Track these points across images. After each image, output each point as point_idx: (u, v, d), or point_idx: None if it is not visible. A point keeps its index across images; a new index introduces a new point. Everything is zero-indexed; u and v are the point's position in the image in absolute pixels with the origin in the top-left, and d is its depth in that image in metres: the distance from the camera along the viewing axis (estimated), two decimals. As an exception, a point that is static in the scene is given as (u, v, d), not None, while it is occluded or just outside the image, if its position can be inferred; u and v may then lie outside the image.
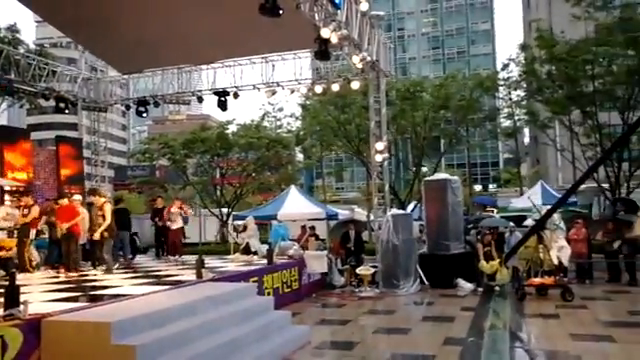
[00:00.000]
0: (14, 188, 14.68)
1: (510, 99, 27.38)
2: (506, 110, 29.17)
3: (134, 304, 6.79)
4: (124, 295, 7.45)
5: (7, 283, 5.89)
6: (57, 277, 10.17)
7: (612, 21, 19.40)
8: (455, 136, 28.34)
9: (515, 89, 25.54)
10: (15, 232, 11.40)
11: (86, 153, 20.51)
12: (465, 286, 13.26)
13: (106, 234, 10.63)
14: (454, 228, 14.45)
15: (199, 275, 9.23)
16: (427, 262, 13.90)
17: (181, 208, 14.19)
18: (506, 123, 31.53)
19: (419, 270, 13.62)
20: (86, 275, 10.49)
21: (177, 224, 13.89)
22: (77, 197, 12.07)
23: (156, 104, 19.07)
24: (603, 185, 19.88)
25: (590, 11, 19.72)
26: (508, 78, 25.95)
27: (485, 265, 13.03)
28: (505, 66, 26.37)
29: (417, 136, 26.33)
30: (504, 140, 38.90)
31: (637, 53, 18.20)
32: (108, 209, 10.73)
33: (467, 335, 8.44)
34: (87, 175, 20.06)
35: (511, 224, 16.09)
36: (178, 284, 8.66)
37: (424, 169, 28.83)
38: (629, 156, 19.95)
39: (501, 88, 27.20)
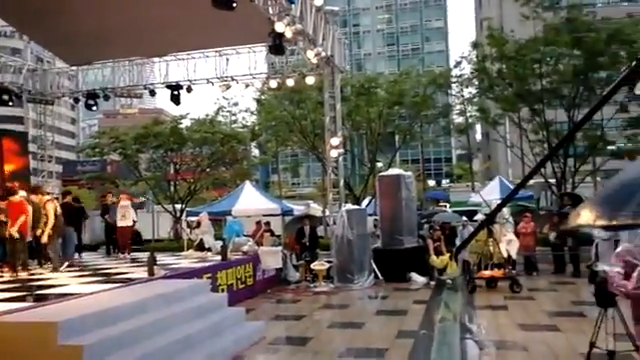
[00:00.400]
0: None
1: (462, 96, 27.92)
2: (458, 107, 29.75)
3: (82, 303, 6.61)
4: (72, 294, 7.23)
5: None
6: (1, 277, 9.78)
7: (559, 21, 20.08)
8: (409, 132, 28.69)
9: (467, 86, 26.05)
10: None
11: (32, 147, 19.82)
12: (418, 280, 13.49)
13: (51, 232, 10.29)
14: (407, 223, 14.66)
15: (151, 272, 9.05)
16: (381, 256, 14.06)
17: (131, 200, 13.84)
18: (459, 120, 32.15)
19: (373, 264, 13.77)
20: (32, 274, 10.13)
21: (127, 221, 13.46)
22: (22, 193, 11.59)
23: (106, 97, 18.62)
24: (550, 180, 20.57)
25: (538, 11, 20.34)
26: (460, 75, 26.44)
27: (435, 260, 13.29)
28: (458, 64, 26.85)
29: (372, 132, 26.53)
30: (457, 136, 39.79)
31: (582, 53, 18.90)
32: (50, 208, 10.37)
33: (419, 328, 8.58)
34: (33, 170, 19.41)
35: (463, 218, 16.45)
36: (129, 282, 8.48)
37: (379, 164, 29.12)
38: (574, 152, 20.70)
39: (454, 85, 27.70)
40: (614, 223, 3.40)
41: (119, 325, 6.02)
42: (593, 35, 18.59)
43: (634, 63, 7.22)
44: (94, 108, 18.97)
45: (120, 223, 13.43)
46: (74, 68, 18.56)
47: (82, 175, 36.51)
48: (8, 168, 17.18)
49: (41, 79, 18.75)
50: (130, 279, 8.90)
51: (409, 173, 16.53)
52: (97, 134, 34.08)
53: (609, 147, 22.01)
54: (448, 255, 13.14)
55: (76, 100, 19.19)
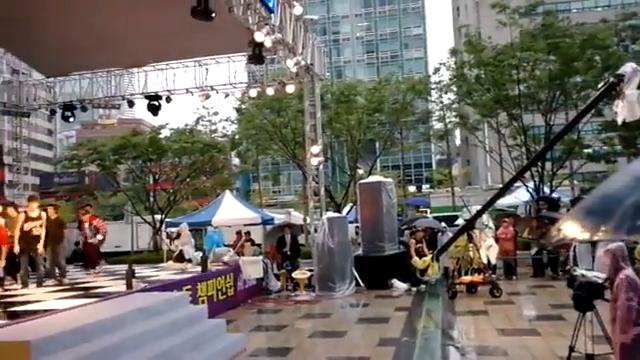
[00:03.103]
0: None
1: (441, 102, 28.13)
2: (438, 113, 29.93)
3: (57, 320, 6.48)
4: (47, 310, 7.09)
5: None
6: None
7: (535, 27, 20.39)
8: (389, 138, 28.87)
9: (446, 92, 26.28)
10: None
11: (7, 159, 19.50)
12: (399, 286, 13.52)
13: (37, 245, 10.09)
14: (389, 229, 14.72)
15: (129, 286, 8.93)
16: (362, 264, 14.06)
17: (91, 223, 13.03)
18: (438, 125, 32.39)
19: (354, 272, 13.75)
20: (7, 290, 9.93)
21: (93, 239, 12.95)
22: (-3, 207, 11.40)
23: (84, 109, 18.38)
24: (528, 184, 20.80)
25: (515, 17, 20.62)
26: (439, 82, 26.66)
27: (418, 261, 13.35)
28: (436, 70, 27.10)
29: (352, 139, 26.62)
30: (436, 142, 39.99)
31: (558, 58, 19.20)
32: (44, 218, 10.23)
33: (401, 335, 8.60)
34: (9, 182, 19.07)
35: (443, 224, 16.54)
36: (106, 296, 8.34)
37: (360, 171, 29.17)
38: (551, 156, 20.97)
39: (433, 91, 27.91)
40: (595, 238, 3.43)
41: (95, 342, 5.89)
42: (568, 41, 18.92)
43: (612, 79, 7.37)
44: (71, 119, 18.77)
45: (87, 240, 13.01)
46: (51, 79, 18.34)
47: (59, 187, 36.02)
48: (-17, 181, 16.92)
49: (17, 91, 18.49)
50: (108, 293, 8.76)
51: (390, 180, 16.60)
52: (74, 146, 33.70)
53: (585, 151, 22.33)
54: (430, 256, 13.20)
55: (53, 112, 18.94)
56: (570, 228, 3.57)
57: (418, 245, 13.72)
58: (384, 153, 33.55)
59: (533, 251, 14.82)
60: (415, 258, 13.43)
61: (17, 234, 9.94)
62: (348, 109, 24.90)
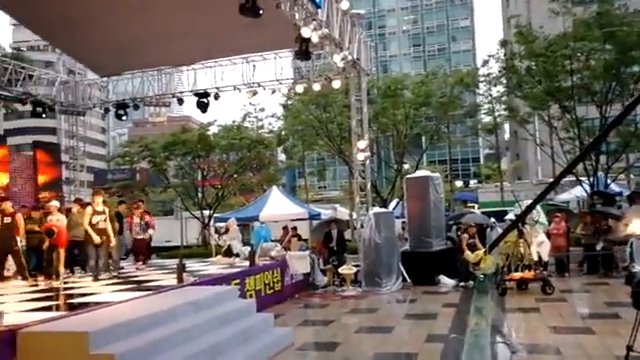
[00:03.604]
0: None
1: (490, 95, 27.59)
2: (486, 106, 29.37)
3: (113, 312, 6.71)
4: (103, 303, 7.35)
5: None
6: (35, 286, 10.02)
7: (589, 16, 19.66)
8: (436, 133, 28.46)
9: (495, 85, 25.76)
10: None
11: (65, 157, 20.29)
12: (447, 282, 13.36)
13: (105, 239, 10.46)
14: (436, 225, 14.55)
15: (180, 279, 9.15)
16: (409, 259, 13.95)
17: (142, 218, 13.25)
18: (486, 119, 31.77)
19: (401, 268, 13.67)
20: (66, 282, 10.35)
21: (140, 235, 13.16)
22: (54, 203, 11.88)
23: (136, 107, 18.91)
24: (581, 178, 20.15)
25: (568, 6, 19.97)
26: (488, 74, 26.13)
27: (469, 255, 13.14)
28: (485, 62, 26.55)
29: (399, 134, 26.40)
30: (484, 136, 39.19)
31: (614, 47, 18.47)
32: (107, 212, 10.61)
33: (449, 332, 8.50)
34: (66, 180, 19.83)
35: (492, 219, 16.22)
36: (159, 289, 8.58)
37: (406, 166, 28.91)
38: (607, 149, 20.23)
39: (481, 84, 27.40)
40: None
41: (149, 333, 6.08)
42: (625, 29, 18.13)
43: None
44: (124, 118, 19.33)
45: (135, 236, 13.24)
46: (104, 79, 18.96)
47: (113, 183, 37.18)
48: (42, 178, 17.67)
49: (73, 91, 19.19)
50: (160, 286, 9.00)
51: (437, 174, 16.40)
52: (127, 143, 34.71)
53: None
54: (483, 250, 12.98)
55: (106, 110, 19.56)
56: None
57: (470, 240, 13.52)
58: (430, 148, 33.18)
59: (599, 246, 14.15)
60: (467, 252, 13.24)
61: (88, 228, 10.30)
62: (395, 103, 24.69)
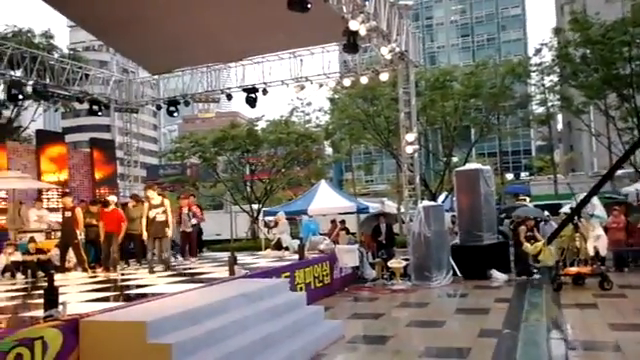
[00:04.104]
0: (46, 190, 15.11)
1: (543, 85, 26.82)
2: (539, 96, 28.55)
3: (168, 303, 6.89)
4: (159, 294, 7.57)
5: (46, 284, 6.03)
6: (94, 277, 10.40)
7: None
8: (486, 125, 27.89)
9: (548, 74, 25.07)
10: (52, 234, 11.76)
11: (119, 154, 20.93)
12: (499, 277, 13.11)
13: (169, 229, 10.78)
14: (487, 218, 14.28)
15: (231, 272, 9.32)
16: (460, 253, 13.76)
17: (190, 210, 13.51)
18: (539, 110, 30.90)
19: (452, 262, 13.49)
20: (123, 274, 10.71)
21: (188, 227, 13.35)
22: (112, 198, 12.29)
23: (186, 103, 19.31)
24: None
25: (626, -9, 19.19)
26: (541, 63, 25.46)
27: (529, 246, 12.82)
28: (537, 51, 25.87)
29: (447, 126, 26.04)
30: (536, 127, 38.15)
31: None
32: (168, 204, 10.89)
33: (503, 327, 8.33)
34: (120, 175, 20.46)
35: (546, 213, 15.79)
36: (211, 281, 8.76)
37: (454, 159, 28.48)
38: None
39: (533, 74, 26.67)
40: None
41: (204, 324, 6.22)
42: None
43: None
44: (175, 114, 19.79)
45: (184, 229, 13.41)
46: (156, 77, 19.45)
47: (165, 178, 38.14)
48: (99, 174, 18.30)
49: (126, 89, 19.76)
50: (212, 279, 9.19)
51: (487, 167, 16.07)
52: (178, 139, 35.53)
53: None
54: (542, 242, 12.65)
55: (158, 107, 20.06)
56: None
57: (529, 233, 13.22)
58: (480, 140, 32.55)
59: None
60: (526, 244, 12.92)
61: (144, 222, 10.64)
62: (443, 95, 24.35)
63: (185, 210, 13.39)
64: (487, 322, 8.73)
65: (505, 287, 12.32)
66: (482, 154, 54.65)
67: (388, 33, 13.16)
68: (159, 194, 11.18)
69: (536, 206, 19.65)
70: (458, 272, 13.43)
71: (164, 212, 10.63)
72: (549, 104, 28.39)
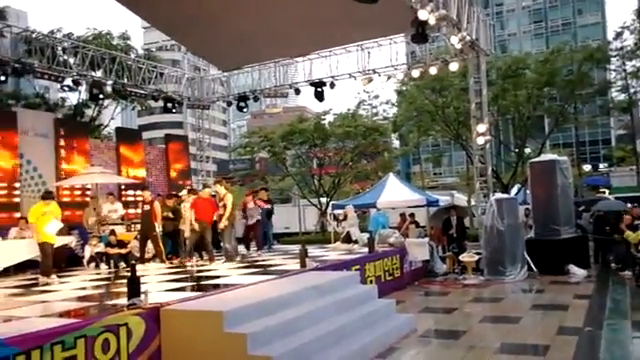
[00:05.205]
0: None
1: (624, 70, 25.40)
2: (619, 83, 27.08)
3: (244, 293, 7.05)
4: (233, 285, 7.77)
5: (129, 274, 6.33)
6: (171, 268, 10.81)
7: None
8: (561, 114, 26.73)
9: (630, 59, 23.68)
10: (132, 226, 12.32)
11: (191, 149, 21.61)
12: (578, 272, 12.56)
13: (227, 223, 11.20)
14: (564, 211, 13.71)
15: (303, 264, 9.42)
16: (535, 248, 13.27)
17: (255, 203, 13.69)
18: (619, 97, 29.26)
19: (526, 256, 13.05)
20: (199, 265, 11.07)
21: (253, 220, 13.55)
22: (184, 192, 12.73)
23: (255, 99, 19.66)
24: None
25: None
26: (622, 48, 24.12)
27: (631, 234, 12.19)
28: (618, 35, 24.52)
29: (520, 116, 25.17)
30: (617, 115, 36.16)
31: None
32: (229, 199, 11.26)
33: (584, 324, 7.98)
34: (193, 170, 21.13)
35: (629, 206, 14.97)
36: (283, 274, 8.89)
37: (527, 150, 27.47)
38: None
39: (614, 59, 25.30)
40: None
41: (277, 314, 6.33)
42: None
43: None
44: (244, 110, 20.18)
45: (249, 222, 13.69)
46: (226, 74, 19.89)
47: (235, 173, 39.08)
48: (174, 169, 19.03)
49: (198, 86, 20.34)
50: (284, 271, 9.33)
51: (564, 158, 15.43)
52: (247, 134, 36.29)
53: None
54: None
55: (229, 103, 20.52)
56: None
57: (636, 222, 12.63)
58: (555, 130, 31.28)
59: None
60: (628, 232, 12.27)
61: (229, 209, 11.17)
62: (515, 84, 23.53)
63: (250, 204, 13.64)
64: (566, 319, 8.39)
65: (584, 283, 11.80)
66: (557, 145, 52.40)
67: (458, 21, 12.83)
68: (226, 189, 11.71)
69: (617, 198, 18.69)
70: (533, 267, 12.98)
71: (224, 206, 11.12)
72: (631, 90, 26.84)
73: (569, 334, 7.41)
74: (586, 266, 12.93)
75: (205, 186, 13.23)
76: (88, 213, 13.18)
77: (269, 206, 14.26)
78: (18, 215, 13.03)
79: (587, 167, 56.60)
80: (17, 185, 14.00)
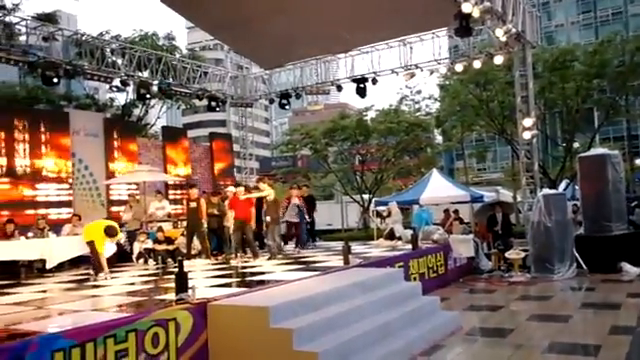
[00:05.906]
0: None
1: (679, 60, 24.24)
2: (677, 73, 25.87)
3: (288, 289, 7.12)
4: (278, 281, 7.86)
5: (177, 270, 6.48)
6: (217, 264, 11.01)
7: None
8: (612, 107, 25.80)
9: (689, 47, 22.61)
10: (178, 223, 12.61)
11: (235, 147, 21.92)
12: (631, 270, 12.14)
13: (269, 220, 11.44)
14: (616, 207, 13.27)
15: (346, 261, 9.44)
16: (585, 245, 12.91)
17: (299, 201, 13.59)
18: (676, 88, 28.00)
19: (576, 253, 12.70)
20: (245, 262, 11.24)
21: (294, 218, 13.48)
22: (231, 189, 12.93)
23: (297, 96, 19.73)
24: None
25: None
26: (676, 37, 23.02)
27: None
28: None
29: (568, 109, 24.45)
30: (673, 107, 34.62)
31: None
32: (271, 193, 11.56)
33: (637, 324, 7.72)
34: (237, 168, 21.43)
35: (685, 201, 14.38)
36: (327, 270, 8.93)
37: (575, 145, 26.66)
38: None
39: (670, 47, 24.18)
40: None
41: (322, 310, 6.37)
42: None
43: None
44: (287, 107, 20.31)
45: (291, 219, 13.59)
46: (268, 72, 20.07)
47: (277, 170, 39.40)
48: (218, 166, 19.36)
49: (241, 85, 20.58)
50: (328, 267, 9.36)
51: (616, 152, 14.91)
52: (289, 131, 36.51)
53: None
54: None
55: (271, 101, 20.69)
56: None
57: None
58: (605, 123, 30.24)
59: None
60: None
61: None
62: (563, 77, 22.85)
63: (295, 201, 13.68)
64: (619, 318, 8.14)
65: (638, 281, 11.41)
66: (607, 138, 50.63)
67: (503, 14, 12.55)
68: (269, 186, 12.14)
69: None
70: (583, 264, 12.63)
71: (266, 202, 11.71)
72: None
73: (622, 334, 7.17)
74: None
75: (238, 185, 13.37)
76: (125, 210, 13.55)
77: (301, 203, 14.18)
78: (71, 212, 13.51)
79: (639, 161, 54.51)
80: (70, 182, 14.52)
